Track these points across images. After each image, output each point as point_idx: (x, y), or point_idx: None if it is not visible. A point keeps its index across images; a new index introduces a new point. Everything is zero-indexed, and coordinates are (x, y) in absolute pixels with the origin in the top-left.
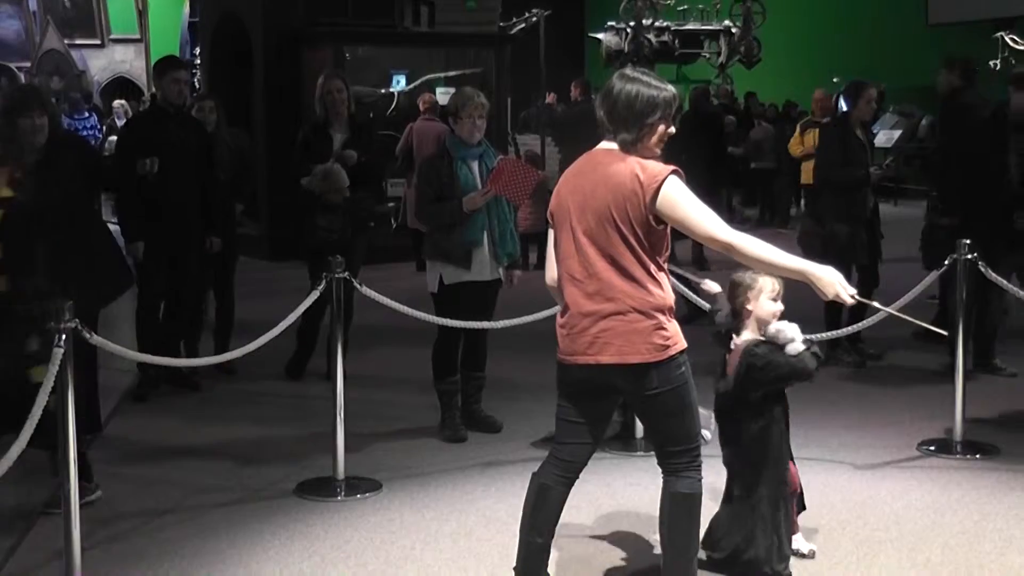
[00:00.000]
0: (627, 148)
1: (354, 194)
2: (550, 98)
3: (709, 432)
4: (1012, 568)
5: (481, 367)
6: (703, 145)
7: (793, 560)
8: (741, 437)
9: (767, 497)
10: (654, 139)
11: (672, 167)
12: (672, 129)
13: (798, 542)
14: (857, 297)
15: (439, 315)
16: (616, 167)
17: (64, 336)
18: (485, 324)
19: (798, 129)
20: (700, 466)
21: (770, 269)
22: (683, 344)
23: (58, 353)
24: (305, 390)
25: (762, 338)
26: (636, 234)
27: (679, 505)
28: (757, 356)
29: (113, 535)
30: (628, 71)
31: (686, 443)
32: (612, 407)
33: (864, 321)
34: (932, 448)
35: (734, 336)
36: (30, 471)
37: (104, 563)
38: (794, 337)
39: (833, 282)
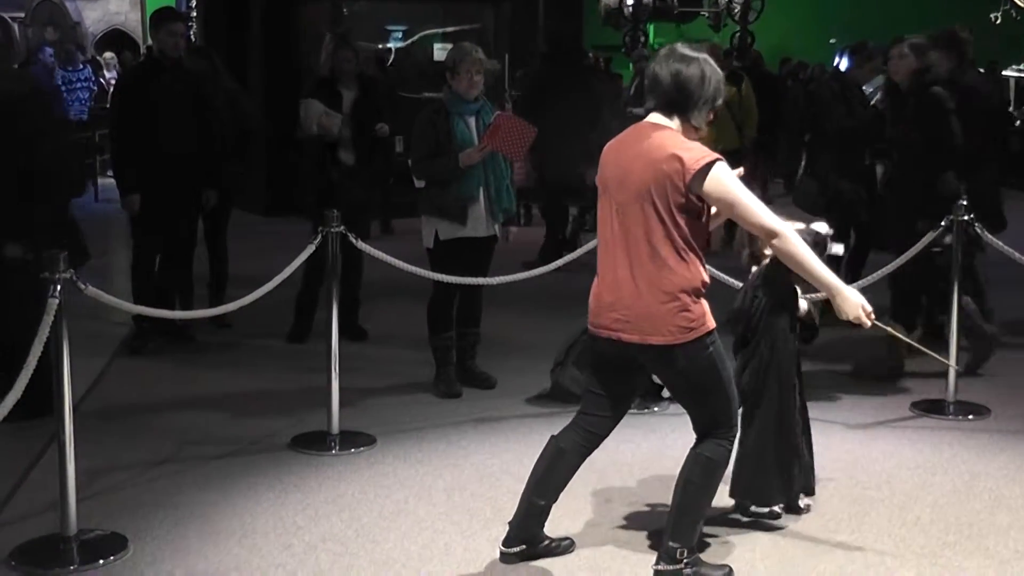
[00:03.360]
0: (680, 124)
1: (372, 157)
2: None
3: None
4: (1001, 527)
5: (476, 323)
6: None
7: (785, 517)
8: (740, 376)
9: (771, 435)
10: (708, 119)
11: (716, 156)
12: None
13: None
14: (877, 323)
15: (434, 271)
16: (659, 144)
17: (59, 287)
18: (480, 280)
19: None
20: (734, 438)
21: (803, 271)
22: (710, 324)
23: (53, 303)
24: (300, 344)
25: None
26: (671, 213)
27: (698, 464)
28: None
29: (108, 486)
30: (687, 50)
31: (720, 417)
32: (638, 384)
33: (860, 280)
34: (924, 408)
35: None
36: (22, 424)
37: (98, 514)
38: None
39: (858, 305)
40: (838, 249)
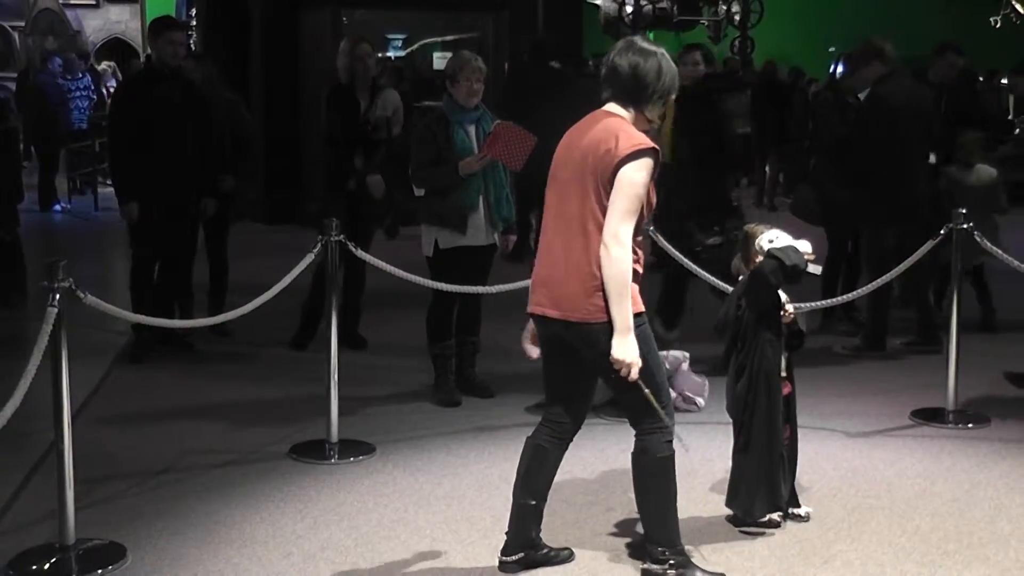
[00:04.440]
0: (634, 115)
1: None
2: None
3: (703, 399)
4: (1001, 535)
5: (475, 332)
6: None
7: (787, 523)
8: (735, 386)
9: (760, 446)
10: (656, 112)
11: (652, 145)
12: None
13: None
14: (639, 382)
15: (434, 279)
16: (605, 127)
17: (58, 295)
18: (480, 289)
19: None
20: (667, 429)
21: (609, 293)
22: (636, 307)
23: (52, 312)
24: (300, 353)
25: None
26: (599, 193)
27: (640, 465)
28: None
29: (106, 495)
30: (642, 43)
31: (644, 410)
32: (580, 368)
33: (859, 290)
34: (924, 417)
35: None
36: (23, 432)
37: (97, 522)
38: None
39: (635, 358)
40: (815, 269)
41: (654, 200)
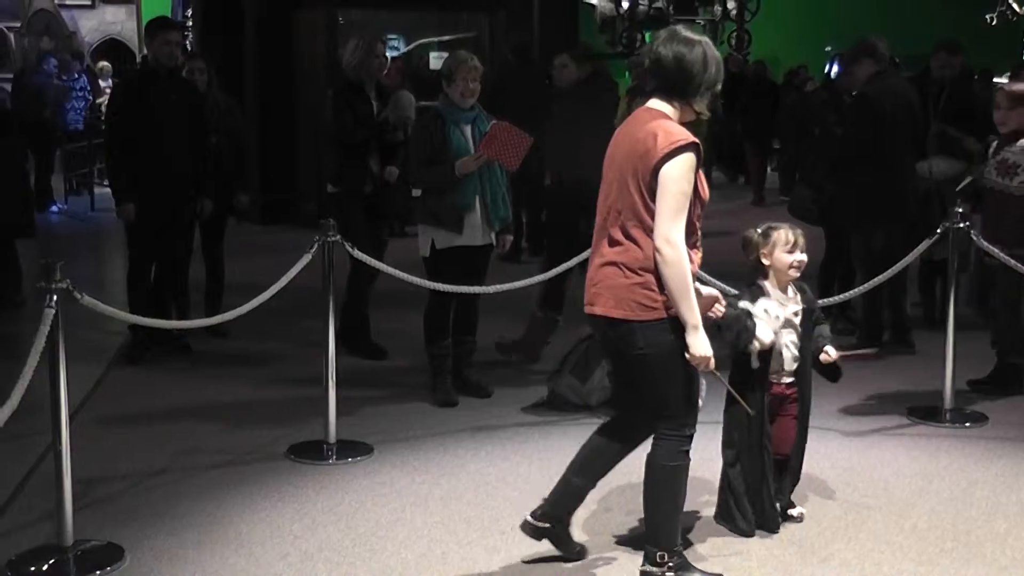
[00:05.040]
0: (680, 108)
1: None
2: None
3: (701, 399)
4: (998, 534)
5: (472, 332)
6: None
7: (783, 524)
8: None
9: (741, 460)
10: (703, 104)
11: (692, 139)
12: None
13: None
14: (715, 373)
15: (431, 279)
16: (646, 124)
17: (55, 296)
18: (477, 289)
19: None
20: (685, 438)
21: (672, 295)
22: (669, 313)
23: (49, 313)
24: (297, 353)
25: (748, 306)
26: (642, 192)
27: (653, 471)
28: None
29: (104, 496)
30: (688, 32)
31: (667, 411)
32: (625, 365)
33: (855, 289)
34: (921, 416)
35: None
36: (21, 434)
37: (95, 523)
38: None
39: (707, 353)
40: (754, 362)
41: (706, 193)
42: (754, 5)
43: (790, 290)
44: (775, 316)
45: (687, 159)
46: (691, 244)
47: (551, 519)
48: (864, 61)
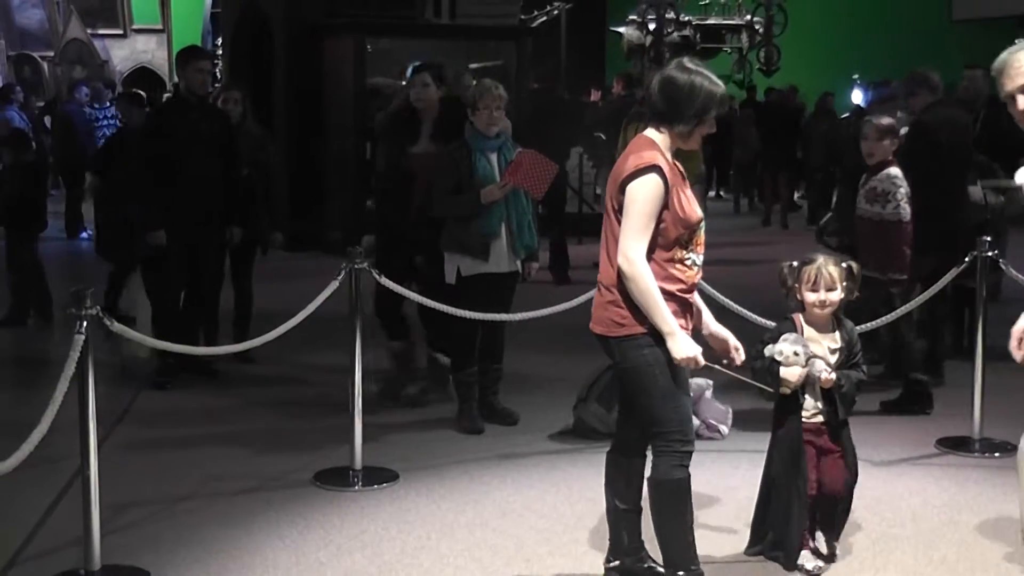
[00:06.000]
0: (668, 136)
1: None
2: (595, 95)
3: (727, 427)
4: None
5: (499, 359)
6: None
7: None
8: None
9: (775, 489)
10: (700, 132)
11: (656, 163)
12: (713, 126)
13: (804, 557)
14: (711, 365)
15: (456, 307)
16: (630, 150)
17: (85, 323)
18: (503, 316)
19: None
20: (678, 453)
21: (642, 305)
22: (646, 329)
23: (79, 339)
24: (323, 379)
25: (771, 348)
26: (616, 213)
27: (653, 491)
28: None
29: (131, 521)
30: (687, 62)
31: (655, 427)
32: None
33: (881, 319)
34: (950, 446)
35: None
36: (50, 458)
37: (121, 548)
38: (782, 350)
39: (692, 352)
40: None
41: (691, 216)
42: (782, 21)
43: (831, 325)
44: (795, 353)
45: (649, 180)
46: (677, 261)
47: (617, 554)
48: (920, 92)
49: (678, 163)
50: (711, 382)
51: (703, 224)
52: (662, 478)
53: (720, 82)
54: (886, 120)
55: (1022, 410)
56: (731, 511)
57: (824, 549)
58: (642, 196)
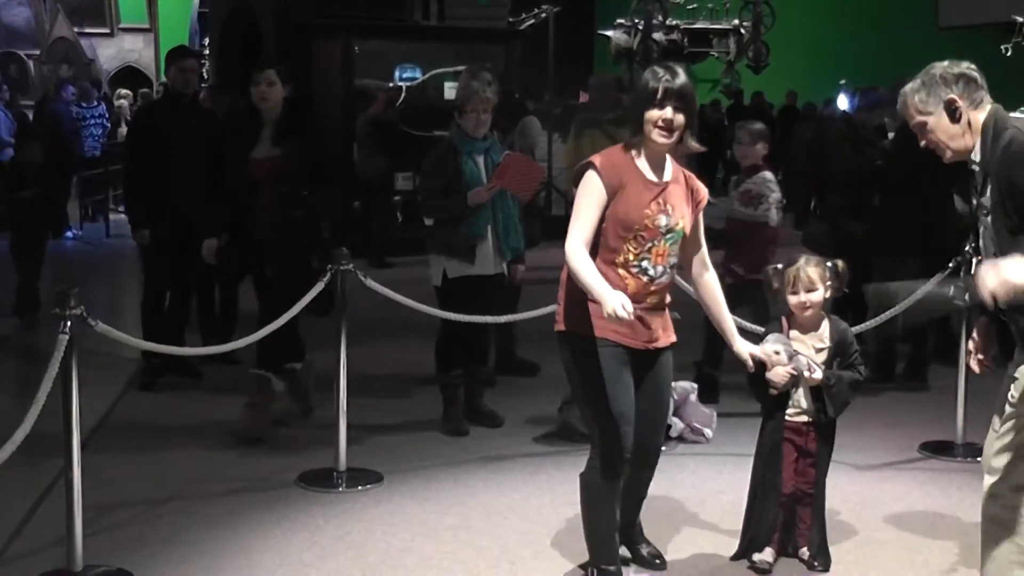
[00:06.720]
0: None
1: None
2: (583, 97)
3: (711, 430)
4: None
5: (484, 361)
6: None
7: (790, 561)
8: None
9: (755, 491)
10: (646, 127)
11: (590, 161)
12: (666, 113)
13: (764, 552)
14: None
15: (442, 309)
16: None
17: (69, 323)
18: (488, 318)
19: None
20: (595, 454)
21: (577, 281)
22: (571, 327)
23: (63, 340)
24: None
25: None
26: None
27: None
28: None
29: (115, 522)
30: (673, 65)
31: (586, 425)
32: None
33: (868, 323)
34: (933, 450)
35: None
36: (33, 459)
37: (105, 549)
38: (764, 350)
39: (617, 300)
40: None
41: (631, 219)
42: (769, 19)
43: (823, 325)
44: (776, 352)
45: (582, 176)
46: (620, 264)
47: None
48: None
49: (686, 171)
50: (695, 386)
51: (673, 236)
52: (585, 478)
53: (661, 73)
54: (758, 125)
55: None
56: (716, 515)
57: (806, 556)
58: (579, 190)
